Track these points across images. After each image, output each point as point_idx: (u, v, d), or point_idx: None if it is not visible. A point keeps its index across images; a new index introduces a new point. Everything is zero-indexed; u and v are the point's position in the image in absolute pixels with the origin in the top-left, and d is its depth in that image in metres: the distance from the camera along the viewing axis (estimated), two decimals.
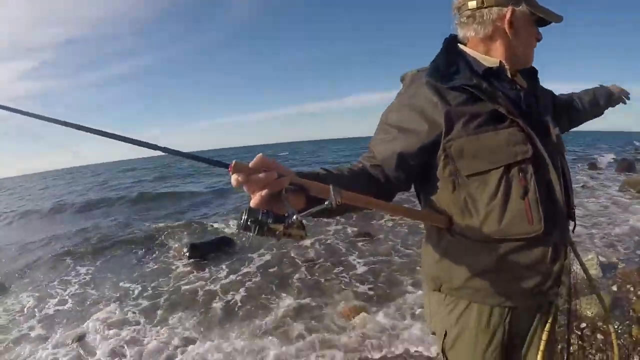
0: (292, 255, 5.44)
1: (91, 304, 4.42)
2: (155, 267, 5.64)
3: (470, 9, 1.01)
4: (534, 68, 1.12)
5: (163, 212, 10.14)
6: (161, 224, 8.29)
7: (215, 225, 7.96)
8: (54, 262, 6.26)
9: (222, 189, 13.38)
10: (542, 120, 1.03)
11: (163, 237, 7.23)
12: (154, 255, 6.21)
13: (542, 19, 1.04)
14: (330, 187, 0.79)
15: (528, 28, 1.03)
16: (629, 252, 4.59)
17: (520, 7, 1.00)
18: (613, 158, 17.27)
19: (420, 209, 1.09)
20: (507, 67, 1.02)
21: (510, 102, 0.96)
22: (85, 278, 5.37)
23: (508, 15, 0.99)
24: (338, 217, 6.22)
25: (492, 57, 1.02)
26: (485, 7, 1.00)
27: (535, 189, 0.93)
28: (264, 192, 0.74)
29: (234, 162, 0.75)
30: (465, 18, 1.03)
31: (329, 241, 5.97)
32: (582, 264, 1.15)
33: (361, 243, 5.81)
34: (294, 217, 0.74)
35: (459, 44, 1.07)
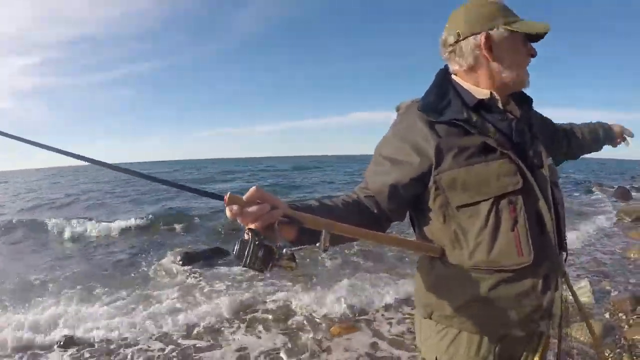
0: (282, 274, 5.39)
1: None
2: (147, 272, 5.59)
3: (450, 44, 1.04)
4: (528, 97, 1.13)
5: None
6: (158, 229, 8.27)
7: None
8: None
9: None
10: (534, 150, 1.02)
11: (158, 240, 7.22)
12: (147, 260, 6.17)
13: (532, 34, 1.02)
14: (323, 231, 0.82)
15: (512, 48, 1.01)
16: (622, 280, 4.57)
17: (496, 29, 0.99)
18: (611, 185, 17.35)
19: (413, 239, 1.11)
20: (497, 97, 1.03)
21: (501, 134, 0.98)
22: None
23: (482, 41, 0.99)
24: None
25: (482, 89, 1.03)
26: (463, 40, 1.02)
27: (525, 221, 0.93)
28: (257, 224, 0.77)
29: (228, 194, 0.78)
30: (448, 53, 1.06)
31: (320, 257, 5.92)
32: (573, 294, 1.15)
33: (354, 259, 5.77)
34: (284, 250, 0.77)
35: (452, 75, 1.09)
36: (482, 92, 1.03)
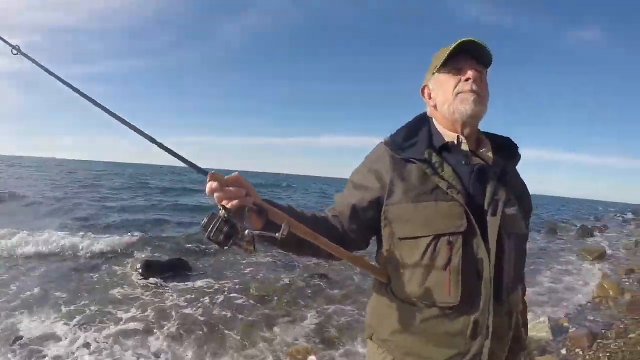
0: (246, 288, 5.24)
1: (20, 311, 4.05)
2: (104, 280, 5.30)
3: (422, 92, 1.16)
4: (513, 144, 1.15)
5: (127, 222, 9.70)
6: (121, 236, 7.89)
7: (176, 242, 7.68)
8: None
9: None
10: (492, 197, 1.00)
11: (119, 249, 6.89)
12: (104, 267, 5.87)
13: (467, 56, 1.03)
14: (286, 219, 0.89)
15: (442, 85, 1.08)
16: (579, 317, 4.66)
17: (431, 77, 1.11)
18: (574, 224, 17.99)
19: (370, 262, 1.12)
20: (463, 141, 1.06)
21: (457, 178, 1.00)
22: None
23: (422, 93, 1.15)
24: (297, 257, 6.11)
25: (450, 132, 1.08)
26: (424, 89, 1.15)
27: (459, 262, 0.94)
28: (231, 203, 0.83)
29: (212, 172, 0.86)
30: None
31: (285, 279, 5.82)
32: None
33: (317, 282, 5.68)
34: (247, 231, 0.83)
35: (432, 118, 1.14)
36: (450, 135, 1.07)
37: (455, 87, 1.04)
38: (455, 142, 1.06)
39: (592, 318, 4.59)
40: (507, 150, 1.12)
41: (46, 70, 1.04)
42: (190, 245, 7.61)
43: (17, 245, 6.48)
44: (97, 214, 10.55)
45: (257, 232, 0.86)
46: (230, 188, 0.85)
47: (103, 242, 7.14)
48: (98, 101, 0.94)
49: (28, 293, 4.60)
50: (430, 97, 1.12)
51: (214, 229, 0.81)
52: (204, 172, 0.87)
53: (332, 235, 1.00)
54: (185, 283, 5.37)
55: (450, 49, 1.02)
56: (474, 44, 1.01)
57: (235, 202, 0.83)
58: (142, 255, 6.62)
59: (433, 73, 1.09)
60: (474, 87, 1.02)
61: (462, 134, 1.06)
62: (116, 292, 4.88)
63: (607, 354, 3.46)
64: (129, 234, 8.30)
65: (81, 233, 7.72)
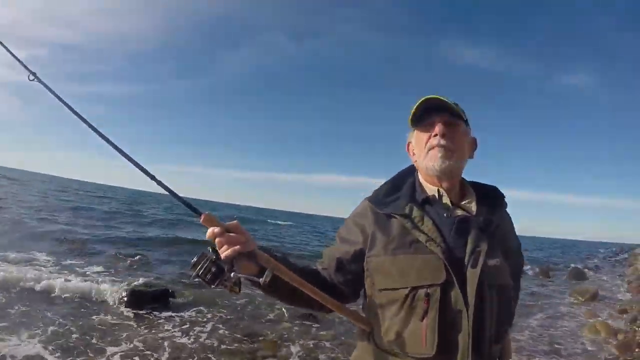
0: (232, 322, 5.12)
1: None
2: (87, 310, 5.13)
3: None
4: (500, 194, 1.16)
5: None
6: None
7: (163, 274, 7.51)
8: None
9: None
10: (474, 249, 1.00)
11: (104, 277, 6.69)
12: (87, 297, 5.67)
13: (432, 116, 1.07)
14: (267, 270, 0.94)
15: (419, 140, 1.12)
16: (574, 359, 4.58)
17: (412, 133, 1.15)
18: (567, 265, 17.92)
19: (355, 310, 1.14)
20: (444, 194, 1.08)
21: (437, 231, 1.01)
22: None
23: (407, 149, 1.19)
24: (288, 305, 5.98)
25: (431, 185, 1.11)
26: (409, 145, 1.19)
27: (435, 314, 0.94)
28: (228, 252, 0.89)
29: (207, 212, 0.93)
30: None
31: (273, 314, 5.68)
32: None
33: (305, 321, 5.54)
34: (232, 274, 0.90)
35: (418, 172, 1.17)
36: (431, 189, 1.10)
37: (427, 142, 1.08)
38: (437, 195, 1.08)
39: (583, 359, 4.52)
40: (492, 199, 1.13)
41: (61, 100, 1.12)
42: (176, 276, 7.47)
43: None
44: (83, 239, 10.33)
45: (242, 275, 0.92)
46: (231, 234, 0.91)
47: (87, 270, 6.98)
48: (103, 133, 1.04)
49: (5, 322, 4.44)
50: (413, 153, 1.16)
51: (202, 269, 0.89)
52: (198, 212, 0.94)
53: (321, 286, 1.04)
54: (171, 314, 5.23)
55: (414, 108, 1.07)
56: (438, 100, 1.05)
57: (229, 251, 0.90)
58: (127, 285, 6.45)
59: (413, 129, 1.15)
60: (442, 142, 1.05)
61: (442, 187, 1.09)
62: (100, 322, 4.73)
63: None
64: (116, 261, 8.14)
65: (67, 260, 7.56)
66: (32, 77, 1.24)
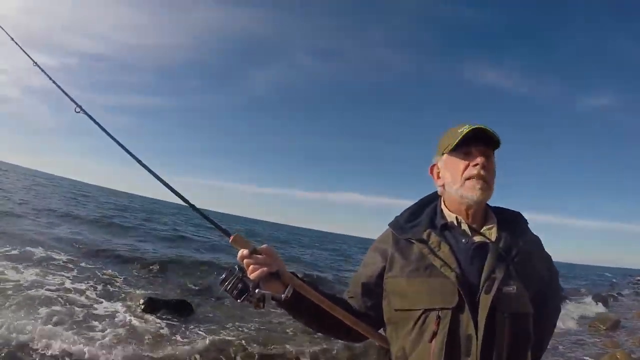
0: (249, 338, 5.10)
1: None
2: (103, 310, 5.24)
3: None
4: (521, 219, 1.16)
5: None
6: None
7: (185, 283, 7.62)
8: None
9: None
10: (489, 275, 1.01)
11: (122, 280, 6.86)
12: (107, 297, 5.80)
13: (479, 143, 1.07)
14: (289, 286, 1.06)
15: (451, 168, 1.12)
16: None
17: (440, 157, 1.16)
18: (586, 294, 17.28)
19: (372, 328, 1.17)
20: (462, 221, 1.11)
21: (453, 256, 1.04)
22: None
23: (431, 172, 1.20)
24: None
25: (451, 212, 1.14)
26: (433, 168, 1.21)
27: (444, 337, 0.96)
28: (263, 269, 1.01)
29: (235, 234, 1.06)
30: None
31: (290, 331, 5.68)
32: None
33: (323, 340, 5.45)
34: (257, 290, 1.00)
35: (442, 196, 1.19)
36: (450, 216, 1.14)
37: (464, 171, 1.08)
38: (455, 222, 1.11)
39: None
40: (514, 225, 1.12)
41: (107, 132, 1.27)
42: (193, 286, 7.55)
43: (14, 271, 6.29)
44: (102, 242, 10.54)
45: (266, 292, 1.02)
46: (259, 256, 1.03)
47: (105, 274, 7.17)
48: (142, 161, 1.22)
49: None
50: (438, 177, 1.17)
51: (230, 285, 1.00)
52: (228, 233, 1.06)
53: (350, 313, 1.12)
54: (187, 326, 5.30)
55: (462, 135, 1.06)
56: (485, 131, 1.06)
57: (256, 273, 1.01)
58: (144, 291, 6.58)
59: (442, 153, 1.14)
60: (482, 173, 1.06)
61: (467, 214, 1.11)
62: (115, 327, 4.85)
63: None
64: (132, 269, 8.30)
65: (82, 263, 7.75)
66: (78, 110, 1.37)
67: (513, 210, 1.20)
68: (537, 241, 1.20)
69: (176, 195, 1.17)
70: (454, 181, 1.11)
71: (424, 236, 1.09)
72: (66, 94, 1.39)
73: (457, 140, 1.07)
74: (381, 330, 1.19)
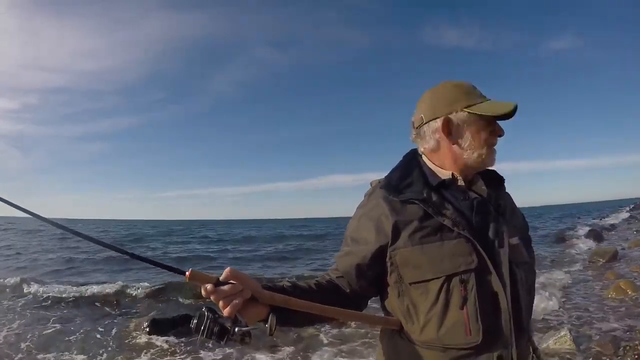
0: (260, 345, 5.03)
1: None
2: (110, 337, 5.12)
3: (415, 127, 1.09)
4: (499, 176, 1.14)
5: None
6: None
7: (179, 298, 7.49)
8: None
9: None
10: (496, 229, 0.99)
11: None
12: (112, 323, 5.68)
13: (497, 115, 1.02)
14: (270, 315, 0.91)
15: (473, 130, 1.02)
16: (600, 322, 4.53)
17: (455, 113, 1.02)
18: (581, 229, 17.78)
19: (375, 314, 1.11)
20: (459, 177, 1.04)
21: (460, 213, 0.98)
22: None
23: (440, 125, 1.03)
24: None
25: (445, 169, 1.05)
26: (425, 123, 1.06)
27: (475, 300, 0.91)
28: (235, 303, 0.85)
29: (190, 270, 0.85)
30: (414, 135, 1.10)
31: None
32: None
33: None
34: (236, 329, 0.87)
35: (421, 156, 1.11)
36: (444, 173, 1.05)
37: (488, 139, 1.03)
38: (450, 179, 1.04)
39: (613, 321, 4.47)
40: (495, 181, 1.11)
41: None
42: (195, 301, 7.44)
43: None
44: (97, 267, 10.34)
45: (246, 328, 0.88)
46: (224, 288, 0.85)
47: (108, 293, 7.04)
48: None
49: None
50: (450, 133, 1.03)
51: (206, 330, 0.86)
52: (182, 272, 0.86)
53: (341, 297, 1.03)
54: (190, 339, 5.18)
55: (510, 108, 1.00)
56: (511, 111, 1.01)
57: (227, 309, 0.85)
58: (148, 312, 6.47)
59: (465, 112, 1.02)
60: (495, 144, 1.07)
61: (466, 174, 1.05)
62: (122, 352, 4.73)
63: (636, 356, 3.34)
64: (134, 288, 8.16)
65: (84, 287, 7.62)
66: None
67: (487, 168, 1.13)
68: (509, 195, 1.18)
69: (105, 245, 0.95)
70: (472, 146, 1.02)
71: (425, 195, 0.99)
72: None
73: (500, 112, 1.00)
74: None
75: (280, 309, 0.92)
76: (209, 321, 0.86)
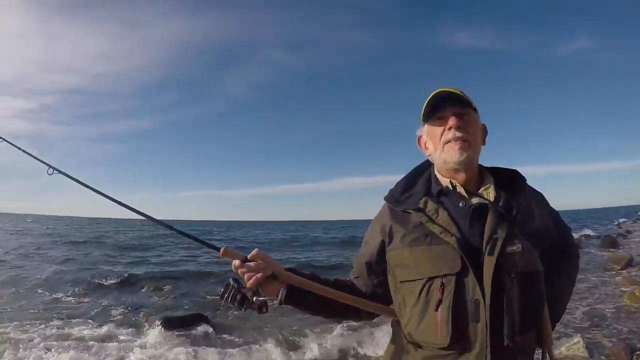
0: (270, 345, 5.01)
1: None
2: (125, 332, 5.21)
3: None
4: (521, 176, 1.13)
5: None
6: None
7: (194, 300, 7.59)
8: None
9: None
10: (491, 237, 0.98)
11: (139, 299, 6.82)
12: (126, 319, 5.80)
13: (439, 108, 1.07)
14: (282, 289, 1.07)
15: (430, 136, 1.12)
16: (614, 330, 4.46)
17: (421, 128, 1.16)
18: (597, 236, 17.44)
19: (378, 303, 1.16)
20: (456, 184, 1.08)
21: (453, 221, 1.01)
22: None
23: (418, 143, 1.18)
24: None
25: (445, 177, 1.11)
26: (420, 140, 1.18)
27: (450, 303, 0.94)
28: (258, 276, 1.03)
29: (223, 248, 1.06)
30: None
31: (312, 332, 5.63)
32: None
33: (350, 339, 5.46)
34: (255, 298, 1.03)
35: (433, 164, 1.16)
36: (445, 181, 1.11)
37: (442, 136, 1.07)
38: (450, 186, 1.08)
39: (627, 329, 4.41)
40: (512, 183, 1.09)
41: (86, 185, 1.31)
42: (202, 299, 7.53)
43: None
44: (105, 269, 10.48)
45: (263, 299, 1.04)
46: (250, 263, 1.04)
47: (118, 297, 7.14)
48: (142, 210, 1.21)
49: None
50: (426, 147, 1.15)
51: (229, 297, 1.03)
52: (217, 248, 1.07)
53: (355, 294, 1.12)
54: (208, 339, 5.24)
55: (426, 103, 1.08)
56: (446, 92, 1.05)
57: (251, 281, 1.03)
58: (159, 311, 6.55)
59: (423, 124, 1.14)
60: (457, 134, 1.04)
61: (461, 178, 1.07)
62: (138, 350, 4.80)
63: None
64: (143, 289, 8.30)
65: (96, 293, 7.75)
66: (51, 172, 1.37)
67: (509, 169, 1.16)
68: (539, 197, 1.17)
69: (162, 225, 1.24)
70: (436, 148, 1.10)
71: (421, 205, 1.06)
72: (33, 156, 1.41)
73: (423, 109, 1.10)
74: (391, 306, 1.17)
75: (297, 293, 1.08)
76: (233, 290, 1.03)
